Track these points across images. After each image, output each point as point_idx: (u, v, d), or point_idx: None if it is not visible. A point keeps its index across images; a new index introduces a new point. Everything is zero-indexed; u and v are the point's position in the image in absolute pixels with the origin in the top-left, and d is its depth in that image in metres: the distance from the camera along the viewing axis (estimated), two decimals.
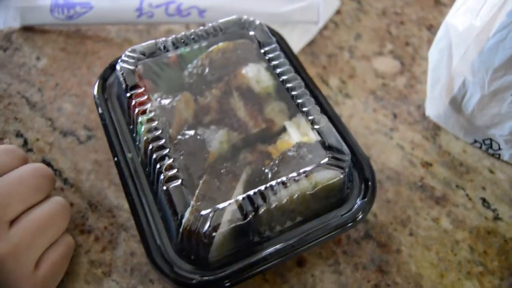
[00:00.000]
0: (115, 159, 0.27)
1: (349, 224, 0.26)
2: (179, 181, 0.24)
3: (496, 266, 0.30)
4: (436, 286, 0.29)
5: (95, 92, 0.30)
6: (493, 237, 0.32)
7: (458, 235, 0.31)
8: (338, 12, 0.43)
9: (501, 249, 0.31)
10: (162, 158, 0.25)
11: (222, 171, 0.26)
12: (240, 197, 0.23)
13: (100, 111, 0.29)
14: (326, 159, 0.25)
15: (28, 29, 0.39)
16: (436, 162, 0.35)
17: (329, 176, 0.25)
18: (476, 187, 0.34)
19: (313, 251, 0.30)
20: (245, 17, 0.32)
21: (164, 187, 0.24)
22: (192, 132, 0.28)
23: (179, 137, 0.27)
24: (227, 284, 0.23)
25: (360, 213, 0.26)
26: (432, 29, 0.43)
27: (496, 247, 0.31)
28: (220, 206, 0.23)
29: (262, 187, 0.24)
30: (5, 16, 0.38)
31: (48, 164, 0.32)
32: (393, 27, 0.43)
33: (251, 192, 0.24)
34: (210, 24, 0.32)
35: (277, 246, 0.25)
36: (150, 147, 0.26)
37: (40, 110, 0.35)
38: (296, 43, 0.39)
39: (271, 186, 0.24)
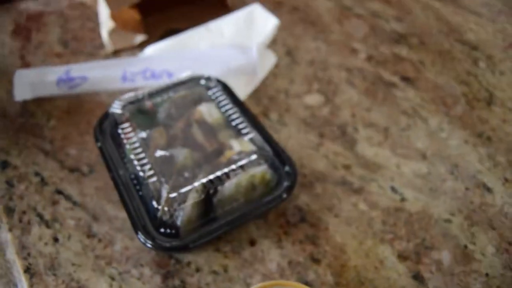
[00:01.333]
0: (111, 175, 0.38)
1: (278, 201, 0.37)
2: (155, 178, 0.35)
3: (404, 233, 0.41)
4: (357, 250, 0.39)
5: (94, 131, 0.42)
6: (400, 213, 0.42)
7: (373, 214, 0.42)
8: (276, 65, 0.56)
9: (407, 221, 0.41)
10: (143, 166, 0.36)
11: (186, 174, 0.37)
12: (197, 184, 0.34)
13: (99, 144, 0.41)
14: (255, 157, 0.37)
15: (39, 99, 0.51)
16: (354, 164, 0.46)
17: (258, 168, 0.36)
18: (386, 179, 0.45)
19: (261, 234, 0.40)
20: (198, 73, 0.45)
21: (146, 183, 0.35)
22: (164, 152, 0.39)
23: (155, 155, 0.39)
24: (191, 246, 0.34)
25: (284, 193, 0.37)
26: (349, 70, 0.56)
27: (403, 219, 0.42)
28: (183, 190, 0.34)
29: (212, 176, 0.35)
30: (21, 90, 0.50)
31: (60, 192, 0.43)
32: (319, 72, 0.56)
33: (204, 180, 0.35)
34: (174, 80, 0.45)
35: (227, 218, 0.35)
36: (136, 162, 0.37)
37: (52, 155, 0.46)
38: (243, 91, 0.51)
39: (218, 176, 0.35)
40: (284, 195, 0.37)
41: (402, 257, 0.39)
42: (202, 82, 0.45)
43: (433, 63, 0.56)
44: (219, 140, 0.41)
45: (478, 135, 0.49)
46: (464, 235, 0.41)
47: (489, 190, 0.44)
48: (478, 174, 0.45)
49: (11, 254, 0.39)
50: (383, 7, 0.65)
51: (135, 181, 0.38)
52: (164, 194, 0.34)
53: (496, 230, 0.41)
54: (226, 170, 0.36)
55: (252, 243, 0.40)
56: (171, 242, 0.34)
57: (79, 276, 0.38)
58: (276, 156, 0.39)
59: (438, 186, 0.44)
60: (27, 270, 0.38)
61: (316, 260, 0.39)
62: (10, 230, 0.41)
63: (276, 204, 0.37)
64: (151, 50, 0.52)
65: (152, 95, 0.44)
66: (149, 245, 0.34)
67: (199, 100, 0.43)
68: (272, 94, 0.53)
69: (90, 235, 0.40)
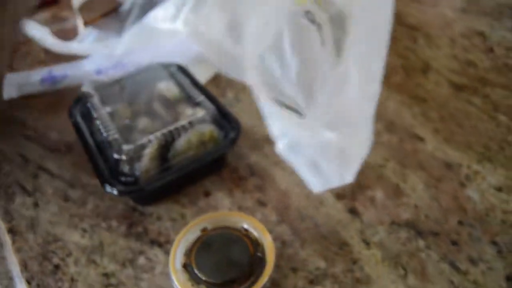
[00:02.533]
0: (83, 142, 0.44)
1: (222, 150, 0.42)
2: (117, 136, 0.41)
3: None
4: (299, 194, 0.44)
5: (69, 110, 0.48)
6: None
7: None
8: None
9: None
10: (108, 131, 0.42)
11: (144, 136, 0.43)
12: (152, 136, 0.40)
13: (72, 120, 0.47)
14: (202, 116, 0.43)
15: (25, 97, 0.58)
16: None
17: (206, 126, 0.43)
18: None
19: (215, 187, 0.45)
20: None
21: (109, 141, 0.41)
22: (127, 121, 0.45)
23: (119, 123, 0.45)
24: (146, 188, 0.39)
25: (229, 144, 0.43)
26: None
27: None
28: (139, 143, 0.40)
29: (165, 131, 0.41)
30: (9, 90, 0.57)
31: (41, 167, 0.49)
32: None
33: (158, 135, 0.41)
34: (138, 67, 0.52)
35: (180, 168, 0.41)
36: (102, 129, 0.43)
37: (35, 140, 0.53)
38: (203, 76, 0.57)
39: (171, 131, 0.41)
40: (228, 145, 0.43)
41: (339, 196, 0.44)
42: (163, 66, 0.52)
43: None
44: (177, 111, 0.47)
45: (413, 97, 0.54)
46: (396, 176, 0.46)
47: (421, 139, 0.49)
48: (411, 127, 0.50)
49: None
50: None
51: (102, 146, 0.44)
52: (124, 147, 0.40)
53: (426, 170, 0.46)
54: (177, 126, 0.42)
55: (207, 194, 0.45)
56: (131, 187, 0.40)
57: (55, 231, 0.43)
58: (224, 117, 0.45)
59: (374, 140, 0.49)
60: (10, 230, 0.44)
61: (262, 204, 0.44)
62: None
63: (221, 153, 0.43)
64: (121, 45, 0.59)
65: (119, 79, 0.50)
66: (114, 192, 0.40)
67: (159, 79, 0.50)
68: (230, 79, 0.59)
69: (66, 199, 0.46)
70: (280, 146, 0.45)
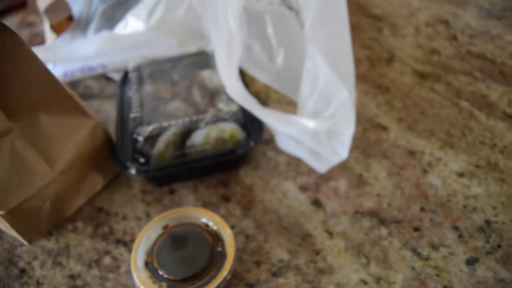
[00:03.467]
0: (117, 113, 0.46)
1: (236, 154, 0.43)
2: (139, 115, 0.42)
3: (305, 170, 0.46)
4: (263, 188, 0.45)
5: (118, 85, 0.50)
6: None
7: (279, 158, 0.47)
8: None
9: None
10: (133, 108, 0.43)
11: (170, 120, 0.43)
12: (174, 122, 0.41)
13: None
14: (227, 114, 0.43)
15: None
16: None
17: (228, 125, 0.43)
18: None
19: (180, 185, 0.46)
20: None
21: (132, 117, 0.42)
22: (159, 101, 0.45)
23: (151, 101, 0.45)
24: (154, 174, 0.41)
25: (245, 149, 0.43)
26: None
27: None
28: (158, 126, 0.41)
29: (187, 119, 0.42)
30: None
31: None
32: None
33: (180, 121, 0.41)
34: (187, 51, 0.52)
35: (194, 157, 0.42)
36: (134, 104, 0.44)
37: None
38: None
39: (193, 122, 0.42)
40: (239, 151, 0.43)
41: (303, 188, 0.44)
42: (208, 54, 0.51)
43: None
44: (212, 102, 0.46)
45: (378, 87, 0.55)
46: (360, 166, 0.46)
47: (384, 128, 0.50)
48: (375, 117, 0.51)
49: None
50: None
51: (126, 123, 0.45)
52: (142, 127, 0.41)
53: (389, 159, 0.47)
54: (198, 119, 0.42)
55: (172, 192, 0.45)
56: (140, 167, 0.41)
57: None
58: (249, 120, 0.45)
59: None
60: None
61: (226, 199, 0.44)
62: None
63: (235, 156, 0.43)
64: (91, 49, 0.59)
65: (174, 57, 0.51)
66: (132, 171, 0.41)
67: (204, 66, 0.49)
68: None
69: None
70: (279, 142, 0.45)
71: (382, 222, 0.41)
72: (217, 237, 0.36)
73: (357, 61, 0.58)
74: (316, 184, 0.45)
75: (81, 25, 0.59)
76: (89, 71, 0.57)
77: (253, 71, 0.51)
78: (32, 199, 0.39)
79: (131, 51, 0.56)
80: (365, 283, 0.37)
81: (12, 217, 0.39)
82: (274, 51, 0.49)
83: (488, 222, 0.40)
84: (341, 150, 0.42)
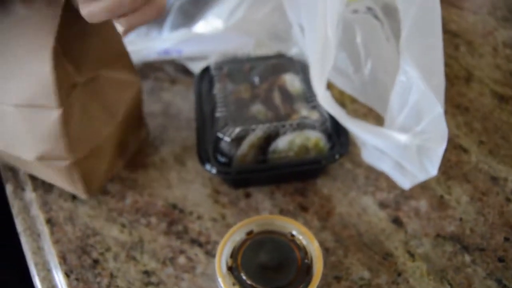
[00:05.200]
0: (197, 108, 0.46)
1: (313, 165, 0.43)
2: (226, 114, 0.42)
3: (385, 186, 0.45)
4: (341, 200, 0.44)
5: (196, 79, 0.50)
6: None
7: (357, 171, 0.46)
8: None
9: (388, 177, 0.45)
10: (220, 105, 0.43)
11: (252, 123, 0.43)
12: (259, 129, 0.41)
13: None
14: (313, 121, 0.42)
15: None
16: None
17: (313, 133, 0.42)
18: None
19: (256, 189, 0.45)
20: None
21: (218, 116, 0.42)
22: (242, 102, 0.45)
23: (234, 101, 0.45)
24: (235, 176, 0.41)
25: (330, 159, 0.42)
26: None
27: (384, 175, 0.45)
28: (244, 128, 0.41)
29: (272, 126, 0.41)
30: None
31: None
32: None
33: (265, 127, 0.41)
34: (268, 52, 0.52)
35: (273, 164, 0.41)
36: (217, 101, 0.44)
37: None
38: None
39: (277, 127, 0.41)
40: (323, 161, 0.42)
41: (383, 205, 0.43)
42: (295, 60, 0.50)
43: None
44: (293, 107, 0.45)
45: (456, 106, 0.53)
46: (441, 187, 0.45)
47: (465, 150, 0.48)
48: (455, 138, 0.49)
49: (35, 210, 0.45)
50: None
51: (209, 121, 0.46)
52: (229, 128, 0.41)
53: (471, 183, 0.45)
54: (285, 124, 0.42)
55: (248, 196, 0.44)
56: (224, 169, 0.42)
57: (94, 224, 0.43)
58: (335, 129, 0.44)
59: None
60: (48, 221, 0.43)
61: (304, 208, 0.43)
62: (34, 190, 0.46)
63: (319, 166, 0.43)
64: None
65: (251, 58, 0.51)
66: (213, 171, 0.41)
67: (286, 70, 0.48)
68: None
69: (104, 192, 0.45)
70: (364, 154, 0.44)
71: (465, 248, 0.40)
72: (304, 250, 0.36)
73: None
74: (396, 202, 0.43)
75: (157, 19, 0.59)
76: (164, 54, 0.56)
77: (335, 79, 0.50)
78: (98, 148, 0.41)
79: (208, 44, 0.56)
80: None
81: (78, 167, 0.40)
82: (362, 61, 0.47)
83: None
84: (430, 168, 0.41)
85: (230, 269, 0.35)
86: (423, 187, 0.44)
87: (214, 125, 0.43)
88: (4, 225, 0.49)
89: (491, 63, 0.59)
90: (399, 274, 0.38)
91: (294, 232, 0.37)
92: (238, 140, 0.41)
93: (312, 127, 0.42)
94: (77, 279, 0.39)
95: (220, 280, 0.34)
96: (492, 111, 0.53)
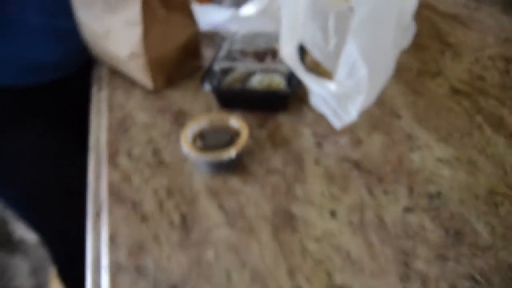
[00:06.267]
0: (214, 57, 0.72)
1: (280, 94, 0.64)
2: (224, 55, 0.66)
3: (324, 124, 0.63)
4: (288, 126, 0.63)
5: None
6: None
7: (306, 112, 0.65)
8: None
9: None
10: (221, 53, 0.67)
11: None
12: (240, 66, 0.64)
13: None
14: (278, 69, 0.64)
15: None
16: None
17: (277, 76, 0.64)
18: None
19: (236, 111, 0.66)
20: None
21: (219, 55, 0.66)
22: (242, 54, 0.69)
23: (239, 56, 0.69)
24: (219, 95, 0.63)
25: (284, 93, 0.63)
26: None
27: None
28: (231, 65, 0.64)
29: (250, 67, 0.64)
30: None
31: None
32: None
33: (244, 66, 0.64)
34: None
35: (249, 89, 0.64)
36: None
37: None
38: None
39: (254, 71, 0.64)
40: (280, 93, 0.64)
41: (316, 135, 0.61)
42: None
43: None
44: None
45: (413, 91, 0.68)
46: (363, 133, 0.61)
47: (398, 116, 0.63)
48: (397, 109, 0.65)
49: (104, 101, 0.72)
50: None
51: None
52: (219, 62, 0.66)
53: (389, 135, 0.61)
54: (259, 67, 0.65)
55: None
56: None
57: (139, 115, 0.69)
58: (294, 79, 0.64)
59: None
60: (110, 107, 0.70)
61: (261, 126, 0.63)
62: (107, 90, 0.74)
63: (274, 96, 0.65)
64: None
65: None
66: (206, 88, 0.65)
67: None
68: None
69: (151, 92, 0.71)
70: (312, 100, 0.64)
71: (358, 168, 0.56)
72: (238, 133, 0.56)
73: (407, 69, 0.72)
74: (324, 135, 0.61)
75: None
76: (215, 27, 0.82)
77: (311, 49, 0.69)
78: (164, 57, 0.68)
79: (246, 25, 0.79)
80: None
81: (150, 65, 0.67)
82: (330, 37, 0.66)
83: (439, 193, 0.52)
84: (353, 112, 0.58)
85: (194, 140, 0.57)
86: (351, 131, 0.61)
87: (216, 62, 0.66)
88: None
89: (466, 68, 0.72)
90: (302, 169, 0.56)
91: (234, 123, 0.58)
92: (225, 72, 0.64)
93: (277, 72, 0.63)
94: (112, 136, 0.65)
95: (184, 145, 0.56)
96: (442, 98, 0.66)
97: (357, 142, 0.60)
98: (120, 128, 0.66)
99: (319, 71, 0.71)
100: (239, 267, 0.45)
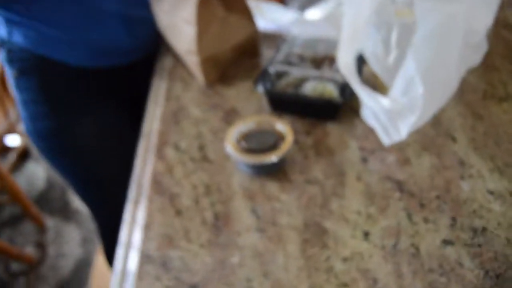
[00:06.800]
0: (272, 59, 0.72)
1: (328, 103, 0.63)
2: (281, 59, 0.66)
3: (372, 137, 0.61)
4: (335, 135, 0.62)
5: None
6: None
7: (357, 124, 0.63)
8: None
9: None
10: (278, 56, 0.68)
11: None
12: (295, 71, 0.64)
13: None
14: (333, 77, 0.63)
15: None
16: None
17: (331, 85, 0.63)
18: None
19: (286, 116, 0.66)
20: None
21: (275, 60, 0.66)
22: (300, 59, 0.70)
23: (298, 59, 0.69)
24: (270, 97, 0.63)
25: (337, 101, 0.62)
26: None
27: None
28: (285, 70, 0.64)
29: (305, 73, 0.64)
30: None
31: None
32: None
33: (299, 72, 0.64)
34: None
35: (300, 95, 0.64)
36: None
37: None
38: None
39: (307, 76, 0.64)
40: (331, 101, 0.62)
41: (361, 148, 0.60)
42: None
43: None
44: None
45: (474, 113, 0.64)
46: (412, 152, 0.58)
47: (454, 139, 0.60)
48: (453, 131, 0.61)
49: (162, 92, 0.75)
50: None
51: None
52: (274, 65, 0.65)
53: (440, 158, 0.58)
54: (312, 74, 0.64)
55: (278, 116, 0.66)
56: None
57: (194, 108, 0.70)
58: (348, 90, 0.63)
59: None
60: (176, 98, 0.73)
61: (308, 133, 0.63)
62: (165, 82, 0.76)
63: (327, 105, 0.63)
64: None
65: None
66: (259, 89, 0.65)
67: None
68: None
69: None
70: (364, 113, 0.62)
71: (400, 190, 0.54)
72: (283, 136, 0.56)
73: (471, 90, 0.68)
74: (372, 149, 0.59)
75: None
76: (277, 28, 0.81)
77: (371, 60, 0.67)
78: (217, 56, 0.70)
79: (309, 29, 0.78)
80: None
81: (203, 63, 0.69)
82: (391, 50, 0.64)
83: (484, 229, 0.49)
84: (402, 131, 0.56)
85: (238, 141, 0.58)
86: (400, 149, 0.59)
87: (272, 65, 0.66)
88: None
89: None
90: (342, 184, 0.55)
91: (281, 127, 0.58)
92: (279, 75, 0.63)
93: (331, 81, 0.62)
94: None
95: (228, 144, 0.57)
96: (504, 125, 0.62)
97: (404, 162, 0.57)
98: (172, 119, 0.68)
99: (377, 84, 0.69)
100: (261, 276, 0.46)
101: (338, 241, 0.49)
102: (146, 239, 0.50)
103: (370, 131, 0.61)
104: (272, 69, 0.65)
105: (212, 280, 0.46)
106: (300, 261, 0.47)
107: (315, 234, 0.49)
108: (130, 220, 0.53)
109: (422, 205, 0.52)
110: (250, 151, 0.56)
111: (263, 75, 0.65)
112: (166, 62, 0.81)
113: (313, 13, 0.77)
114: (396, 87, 0.57)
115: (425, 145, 0.59)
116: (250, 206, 0.53)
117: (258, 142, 0.57)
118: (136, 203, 0.55)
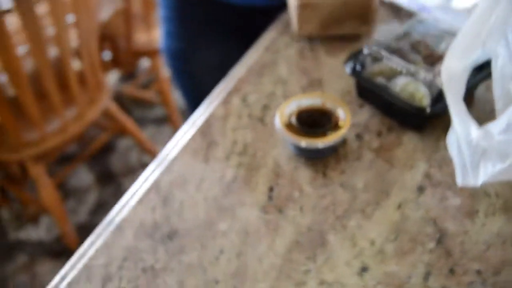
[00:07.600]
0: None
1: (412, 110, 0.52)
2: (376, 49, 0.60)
3: (445, 167, 0.50)
4: (404, 148, 0.52)
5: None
6: None
7: (440, 145, 0.52)
8: None
9: None
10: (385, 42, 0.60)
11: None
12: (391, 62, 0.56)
13: None
14: (428, 79, 0.53)
15: None
16: None
17: (424, 88, 0.52)
18: None
19: (367, 106, 0.58)
20: None
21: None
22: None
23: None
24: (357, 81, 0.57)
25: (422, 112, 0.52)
26: None
27: None
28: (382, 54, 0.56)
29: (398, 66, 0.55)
30: None
31: None
32: None
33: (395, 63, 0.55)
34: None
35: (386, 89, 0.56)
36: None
37: None
38: None
39: (399, 64, 0.55)
40: (412, 110, 0.52)
41: (427, 175, 0.50)
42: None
43: None
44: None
45: None
46: (486, 204, 0.46)
47: None
48: None
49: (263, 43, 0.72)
50: None
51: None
52: (373, 47, 0.57)
53: None
54: (406, 67, 0.54)
55: (361, 106, 0.58)
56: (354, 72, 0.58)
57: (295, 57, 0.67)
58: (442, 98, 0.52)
59: None
60: (267, 48, 0.70)
61: (379, 134, 0.54)
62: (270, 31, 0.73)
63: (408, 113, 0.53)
64: None
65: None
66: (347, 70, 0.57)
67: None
68: None
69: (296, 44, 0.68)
70: (448, 136, 0.51)
71: (440, 243, 0.44)
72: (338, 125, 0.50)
73: None
74: (438, 181, 0.49)
75: None
76: (417, 7, 0.70)
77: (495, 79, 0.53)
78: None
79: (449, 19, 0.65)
80: None
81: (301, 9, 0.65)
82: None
83: None
84: (480, 176, 0.44)
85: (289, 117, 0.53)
86: (472, 196, 0.47)
87: (374, 44, 0.57)
88: None
89: None
90: (377, 204, 0.47)
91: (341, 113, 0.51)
92: (375, 59, 0.55)
93: (425, 82, 0.51)
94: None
95: (277, 116, 0.53)
96: None
97: (467, 213, 0.46)
98: (259, 71, 0.66)
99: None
100: (233, 254, 0.43)
101: (328, 261, 0.43)
102: (166, 171, 0.52)
103: (450, 161, 0.50)
104: (366, 50, 0.56)
105: (192, 235, 0.46)
106: (278, 260, 0.43)
107: (311, 241, 0.44)
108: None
109: (451, 271, 0.42)
110: (297, 128, 0.51)
111: (357, 54, 0.57)
112: (285, 13, 0.77)
113: (462, 2, 0.63)
114: (499, 121, 0.45)
115: (508, 205, 0.47)
116: (270, 183, 0.50)
117: (311, 121, 0.52)
118: (181, 136, 0.57)
